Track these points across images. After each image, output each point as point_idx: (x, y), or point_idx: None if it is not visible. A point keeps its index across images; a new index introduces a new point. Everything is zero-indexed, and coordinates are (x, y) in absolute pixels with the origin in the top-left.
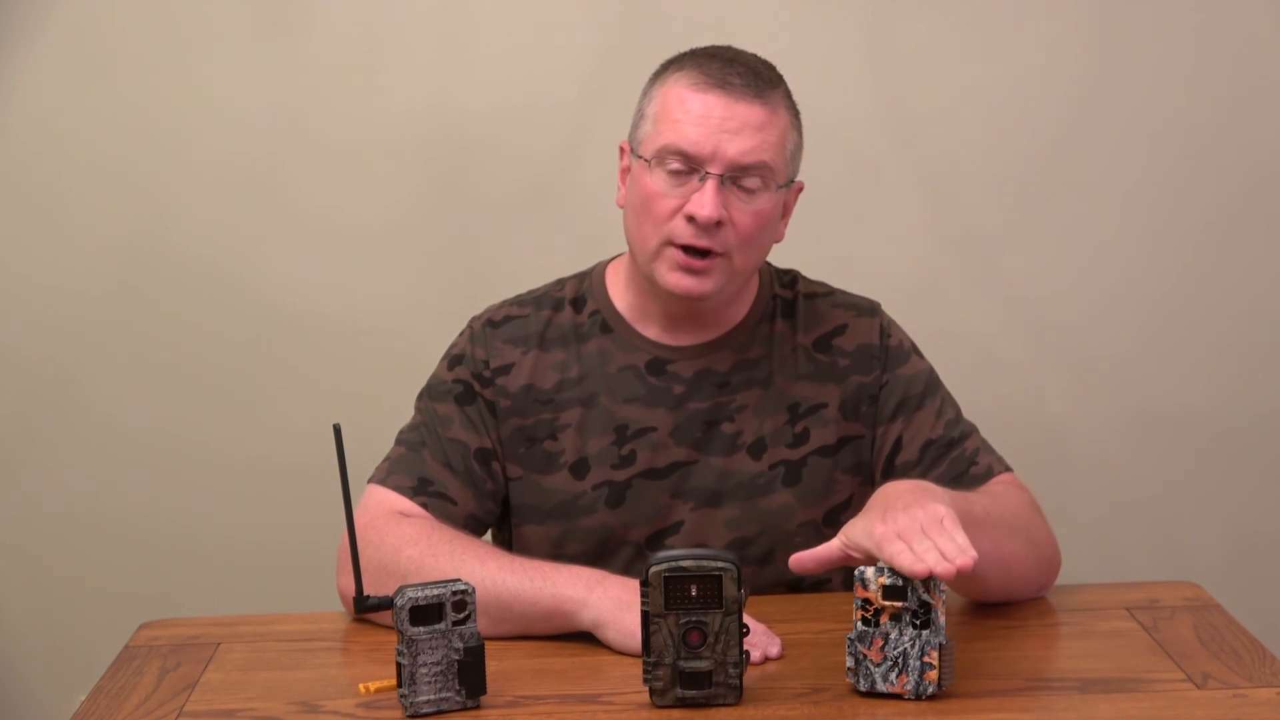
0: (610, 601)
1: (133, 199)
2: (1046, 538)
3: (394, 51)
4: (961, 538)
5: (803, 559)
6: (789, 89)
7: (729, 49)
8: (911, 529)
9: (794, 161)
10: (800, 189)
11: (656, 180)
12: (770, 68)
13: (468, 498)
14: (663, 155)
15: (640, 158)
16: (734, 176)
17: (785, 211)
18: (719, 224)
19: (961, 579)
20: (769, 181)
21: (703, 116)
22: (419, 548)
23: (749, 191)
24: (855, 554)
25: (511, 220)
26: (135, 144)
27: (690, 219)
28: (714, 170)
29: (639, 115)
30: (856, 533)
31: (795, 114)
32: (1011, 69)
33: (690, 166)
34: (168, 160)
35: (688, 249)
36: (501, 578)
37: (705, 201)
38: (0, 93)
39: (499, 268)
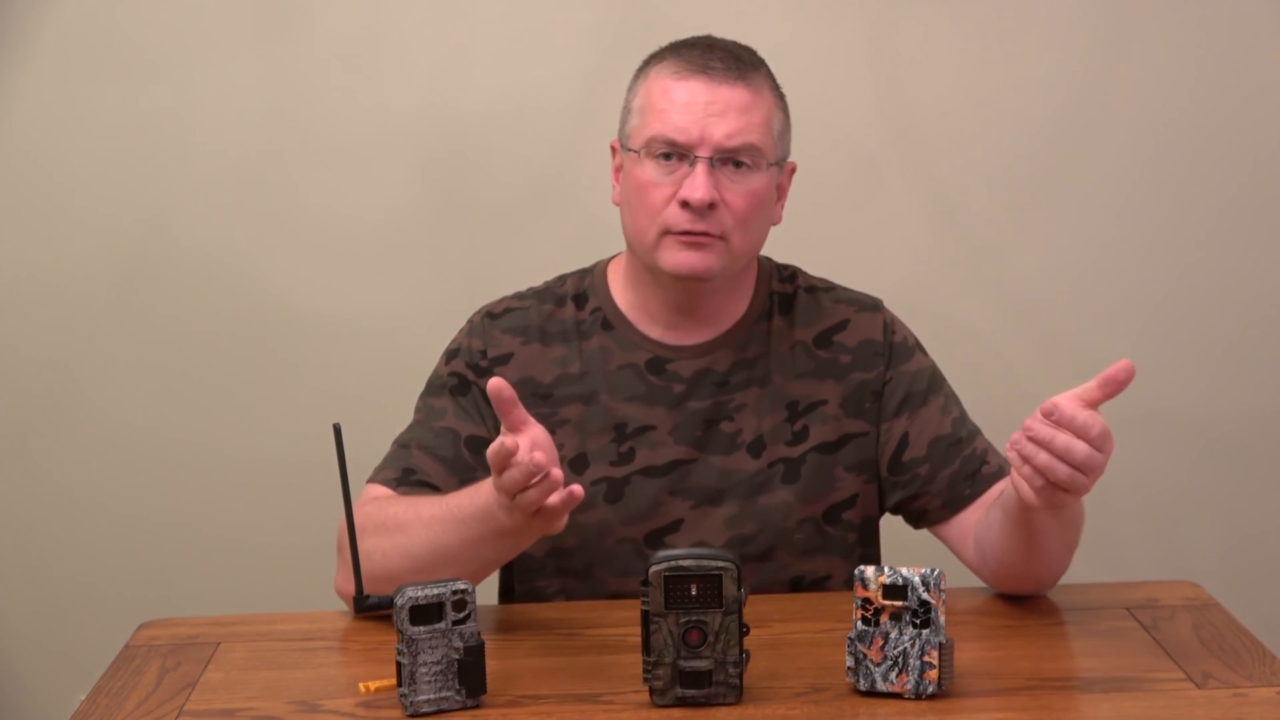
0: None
1: (133, 199)
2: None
3: (393, 52)
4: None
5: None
6: (770, 71)
7: (708, 37)
8: (1092, 464)
9: (782, 141)
10: (793, 169)
11: (647, 170)
12: (750, 51)
13: (453, 485)
14: (651, 145)
15: (630, 150)
16: (723, 159)
17: (780, 194)
18: (713, 206)
19: (993, 557)
20: (758, 161)
21: (687, 103)
22: (378, 535)
23: (740, 171)
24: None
25: (511, 220)
26: (135, 144)
27: (684, 204)
28: (702, 154)
29: (625, 111)
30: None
31: (779, 95)
32: (1012, 69)
33: (679, 153)
34: (167, 160)
35: (686, 234)
36: (434, 514)
37: (697, 185)
38: (0, 93)
39: (498, 268)
